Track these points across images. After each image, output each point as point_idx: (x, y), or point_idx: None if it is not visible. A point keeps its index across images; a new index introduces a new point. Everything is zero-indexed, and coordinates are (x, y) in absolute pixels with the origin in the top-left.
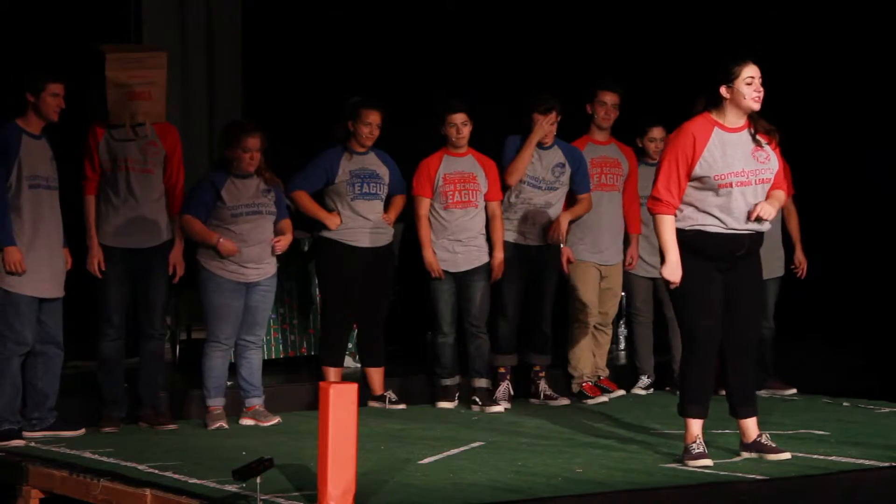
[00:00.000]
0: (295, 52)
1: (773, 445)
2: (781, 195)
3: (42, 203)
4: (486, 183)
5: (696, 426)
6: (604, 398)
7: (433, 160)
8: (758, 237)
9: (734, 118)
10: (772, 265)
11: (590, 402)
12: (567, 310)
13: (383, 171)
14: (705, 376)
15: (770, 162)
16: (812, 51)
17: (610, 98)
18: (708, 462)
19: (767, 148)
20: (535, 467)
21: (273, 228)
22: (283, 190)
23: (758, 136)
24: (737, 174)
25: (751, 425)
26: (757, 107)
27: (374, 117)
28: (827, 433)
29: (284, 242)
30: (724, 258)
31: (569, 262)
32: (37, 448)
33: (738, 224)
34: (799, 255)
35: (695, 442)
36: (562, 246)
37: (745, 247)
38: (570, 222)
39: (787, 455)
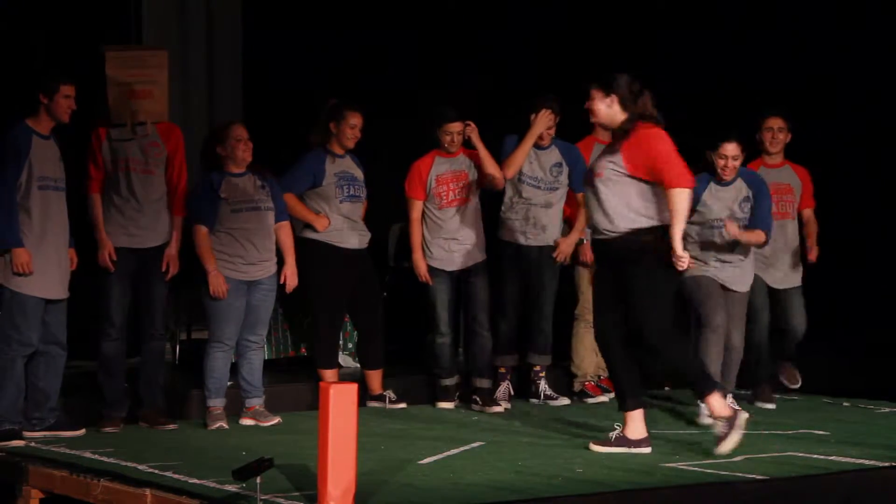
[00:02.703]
0: (295, 53)
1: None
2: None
3: (51, 204)
4: (475, 174)
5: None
6: (604, 398)
7: (424, 162)
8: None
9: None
10: (791, 276)
11: (590, 400)
12: (568, 310)
13: (359, 175)
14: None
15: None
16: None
17: None
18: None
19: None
20: (535, 467)
21: (272, 226)
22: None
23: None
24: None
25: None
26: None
27: (357, 119)
28: (827, 433)
29: (291, 278)
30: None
31: (566, 258)
32: (37, 448)
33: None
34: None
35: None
36: (585, 241)
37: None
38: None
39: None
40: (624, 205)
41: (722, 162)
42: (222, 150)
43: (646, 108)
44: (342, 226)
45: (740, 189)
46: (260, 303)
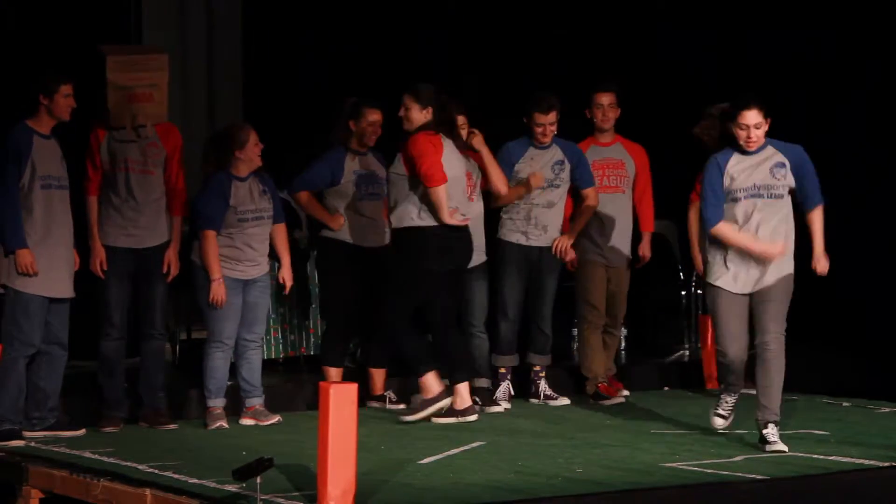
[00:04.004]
0: (295, 53)
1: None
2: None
3: (54, 202)
4: (479, 176)
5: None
6: (620, 398)
7: None
8: None
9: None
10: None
11: (607, 402)
12: (568, 310)
13: (381, 172)
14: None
15: None
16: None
17: (606, 99)
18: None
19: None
20: (535, 467)
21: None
22: (277, 183)
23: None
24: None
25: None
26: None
27: (376, 116)
28: (827, 433)
29: (289, 279)
30: None
31: (573, 262)
32: (37, 448)
33: None
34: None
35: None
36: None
37: None
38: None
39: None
40: (405, 203)
41: (744, 133)
42: (241, 154)
43: (443, 117)
44: (361, 224)
45: (771, 157)
46: (257, 300)
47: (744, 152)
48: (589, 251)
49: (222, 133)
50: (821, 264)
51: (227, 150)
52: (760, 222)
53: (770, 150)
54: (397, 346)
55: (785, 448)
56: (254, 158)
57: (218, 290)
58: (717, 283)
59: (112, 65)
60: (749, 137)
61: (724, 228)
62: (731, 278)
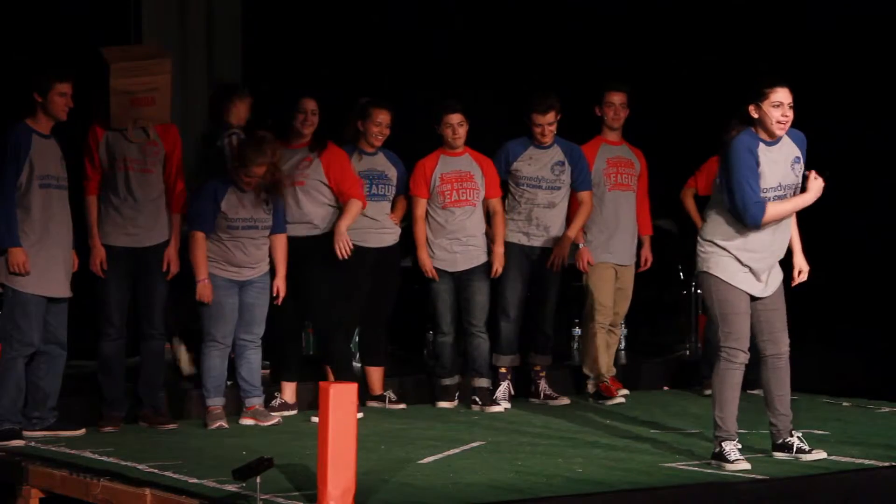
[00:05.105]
0: (295, 52)
1: None
2: None
3: (52, 202)
4: (483, 182)
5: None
6: (620, 398)
7: (429, 160)
8: None
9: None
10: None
11: (607, 402)
12: (569, 310)
13: (392, 173)
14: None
15: None
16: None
17: (618, 98)
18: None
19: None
20: (535, 467)
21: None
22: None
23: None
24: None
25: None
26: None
27: (383, 117)
28: (827, 433)
29: (282, 290)
30: None
31: (588, 263)
32: (37, 448)
33: None
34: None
35: None
36: (581, 246)
37: None
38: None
39: None
40: (333, 209)
41: (778, 112)
42: (242, 173)
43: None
44: (361, 224)
45: (789, 149)
46: (254, 300)
47: (766, 142)
48: (601, 250)
49: (251, 136)
50: (805, 271)
51: (236, 156)
52: (783, 227)
53: (786, 139)
54: (330, 347)
55: (825, 453)
56: (240, 185)
57: (202, 291)
58: (734, 283)
59: (115, 72)
60: (784, 115)
61: (772, 210)
62: (749, 279)
